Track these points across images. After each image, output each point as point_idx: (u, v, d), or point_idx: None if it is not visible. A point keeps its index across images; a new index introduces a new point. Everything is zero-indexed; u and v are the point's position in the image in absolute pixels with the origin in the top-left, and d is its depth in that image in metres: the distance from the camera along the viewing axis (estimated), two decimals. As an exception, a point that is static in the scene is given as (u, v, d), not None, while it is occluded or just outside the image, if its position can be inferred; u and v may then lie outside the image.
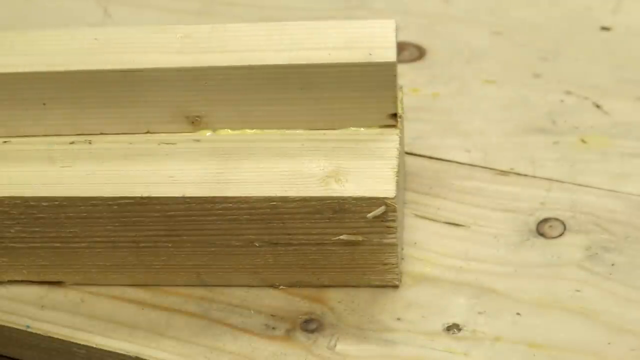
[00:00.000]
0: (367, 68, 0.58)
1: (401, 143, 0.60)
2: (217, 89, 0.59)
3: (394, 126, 0.60)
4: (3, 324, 0.61)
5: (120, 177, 0.59)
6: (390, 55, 0.58)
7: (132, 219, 0.59)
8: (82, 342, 0.60)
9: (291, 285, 0.62)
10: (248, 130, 0.61)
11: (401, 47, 0.75)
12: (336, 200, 0.57)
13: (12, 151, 0.61)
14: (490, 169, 0.67)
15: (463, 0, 0.79)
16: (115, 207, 0.58)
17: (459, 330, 0.59)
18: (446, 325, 0.59)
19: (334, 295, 0.61)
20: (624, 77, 0.72)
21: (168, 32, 0.60)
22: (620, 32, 0.76)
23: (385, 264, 0.60)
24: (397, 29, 0.59)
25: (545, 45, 0.75)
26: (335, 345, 0.59)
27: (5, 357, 0.63)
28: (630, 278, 0.61)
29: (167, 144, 0.61)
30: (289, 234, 0.59)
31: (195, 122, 0.61)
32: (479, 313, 0.60)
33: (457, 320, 0.60)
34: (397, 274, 0.60)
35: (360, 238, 0.58)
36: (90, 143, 0.61)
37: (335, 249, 0.59)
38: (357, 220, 0.57)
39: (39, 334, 0.61)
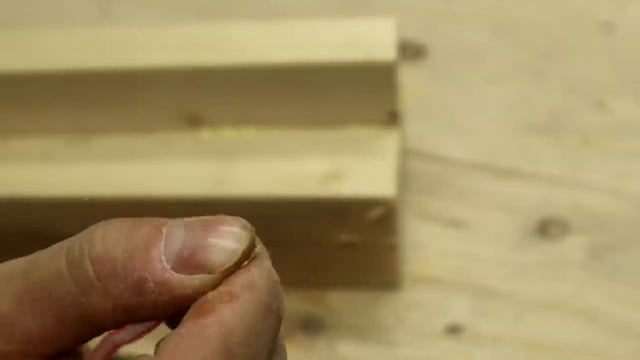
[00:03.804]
0: (367, 67, 0.58)
1: (401, 143, 0.60)
2: (217, 88, 0.59)
3: (394, 125, 0.60)
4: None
5: (120, 177, 0.58)
6: (391, 54, 0.58)
7: (132, 219, 0.58)
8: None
9: (291, 285, 0.62)
10: (248, 130, 0.61)
11: (402, 45, 0.74)
12: (336, 200, 0.57)
13: (11, 151, 0.61)
14: (492, 168, 0.67)
15: (464, -2, 0.79)
16: (115, 207, 0.58)
17: (460, 330, 0.59)
18: (447, 326, 0.59)
19: (334, 296, 0.61)
20: (627, 76, 0.72)
21: (168, 32, 0.60)
22: (623, 31, 0.75)
23: (386, 265, 0.59)
24: (397, 28, 0.58)
25: (547, 44, 0.75)
26: (335, 346, 0.59)
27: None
28: (632, 278, 0.61)
29: (167, 144, 0.60)
30: (289, 234, 0.58)
31: (195, 122, 0.61)
32: (480, 313, 0.60)
33: (458, 320, 0.59)
34: (397, 275, 0.60)
35: (360, 238, 0.58)
36: (89, 143, 0.61)
37: (335, 249, 0.59)
38: (357, 220, 0.57)
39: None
